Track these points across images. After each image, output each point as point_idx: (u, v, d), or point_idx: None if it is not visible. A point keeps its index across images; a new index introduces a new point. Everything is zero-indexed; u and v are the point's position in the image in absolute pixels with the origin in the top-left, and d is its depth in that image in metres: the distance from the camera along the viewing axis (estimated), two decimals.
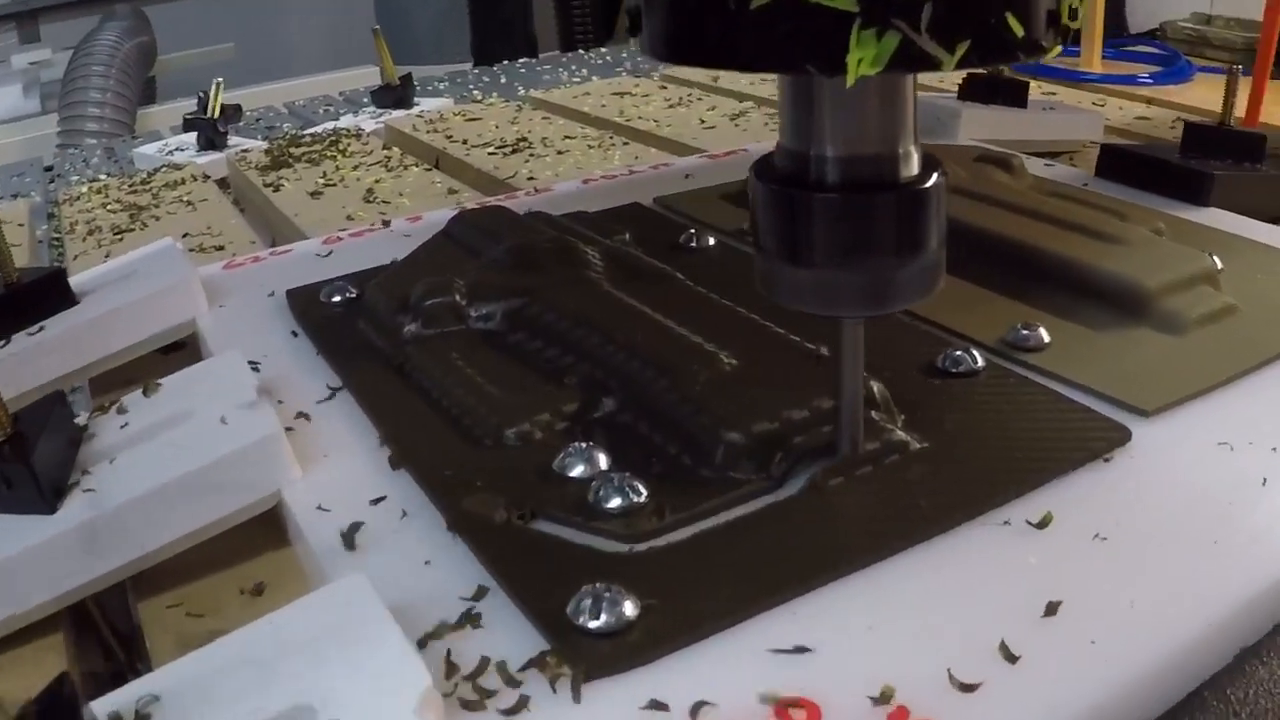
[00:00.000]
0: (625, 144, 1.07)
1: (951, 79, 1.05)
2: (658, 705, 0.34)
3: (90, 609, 0.52)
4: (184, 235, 0.92)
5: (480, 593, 0.40)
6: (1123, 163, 0.75)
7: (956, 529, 0.41)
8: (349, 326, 0.61)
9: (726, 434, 0.44)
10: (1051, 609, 0.37)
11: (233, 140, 1.26)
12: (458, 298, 0.57)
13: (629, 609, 0.37)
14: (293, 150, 1.15)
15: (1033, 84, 0.98)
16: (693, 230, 0.70)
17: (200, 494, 0.47)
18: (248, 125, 1.45)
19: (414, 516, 0.45)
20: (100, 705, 0.34)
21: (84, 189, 1.12)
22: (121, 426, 0.53)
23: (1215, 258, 0.58)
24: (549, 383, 0.52)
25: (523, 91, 1.43)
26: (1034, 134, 0.87)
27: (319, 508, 0.47)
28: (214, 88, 1.21)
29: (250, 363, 0.59)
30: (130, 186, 1.10)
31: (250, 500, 0.48)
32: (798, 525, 0.41)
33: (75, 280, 0.70)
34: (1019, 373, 0.51)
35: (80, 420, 0.53)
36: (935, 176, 0.36)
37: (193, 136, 1.25)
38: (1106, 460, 0.44)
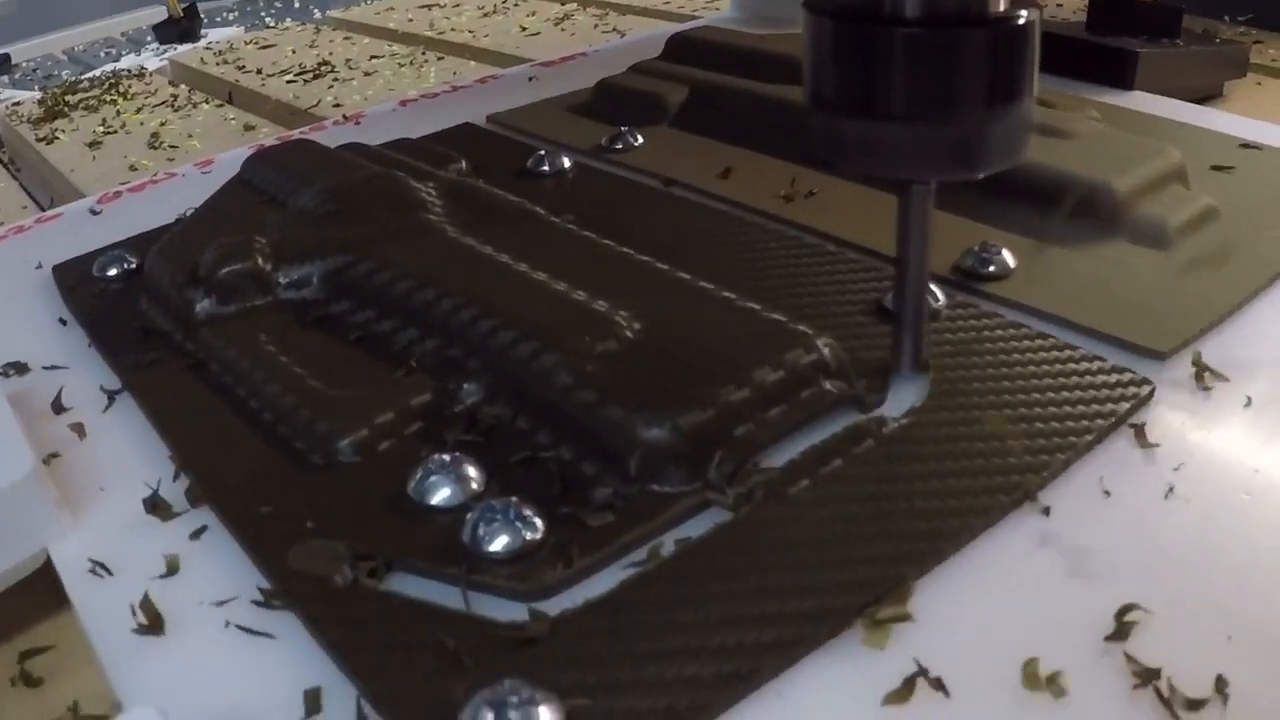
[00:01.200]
0: (440, 59, 0.94)
1: None
2: None
3: None
4: None
5: (314, 703, 0.28)
6: None
7: (975, 541, 0.30)
8: (129, 307, 0.47)
9: (644, 431, 0.32)
10: (1123, 632, 0.27)
11: (4, 94, 1.08)
12: (260, 261, 0.44)
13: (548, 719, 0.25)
14: (69, 98, 0.98)
15: None
16: (543, 151, 0.57)
17: None
18: (25, 77, 1.27)
19: (226, 576, 0.33)
20: None
21: None
22: None
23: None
24: (389, 368, 0.39)
25: (319, 14, 1.27)
26: None
27: (95, 570, 0.34)
28: None
29: (8, 365, 0.45)
30: None
31: (7, 565, 0.35)
32: (765, 558, 0.30)
33: None
34: (988, 309, 0.41)
35: None
36: (1029, 11, 0.30)
37: None
38: (1133, 425, 0.34)
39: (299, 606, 0.30)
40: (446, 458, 0.33)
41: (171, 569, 0.33)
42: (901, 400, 0.36)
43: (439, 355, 0.39)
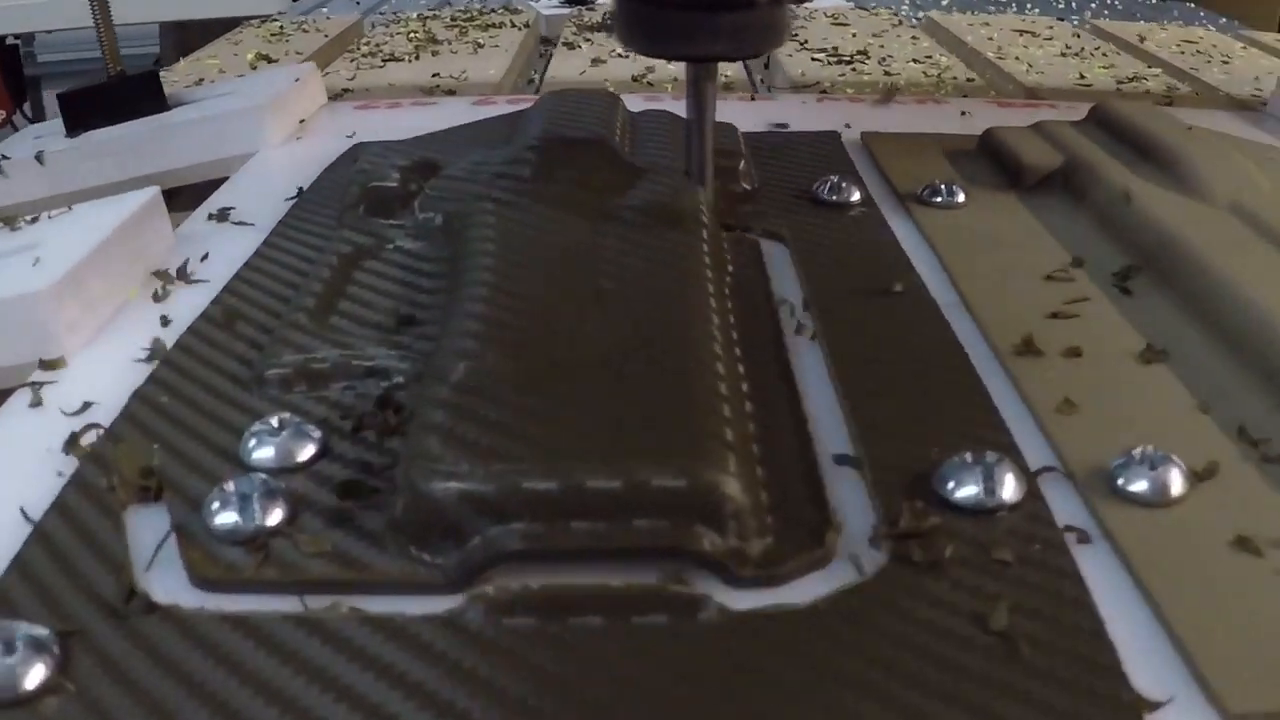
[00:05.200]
0: (970, 80, 0.84)
1: None
2: None
3: None
4: (433, 75, 0.83)
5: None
6: None
7: None
8: (341, 195, 0.49)
9: (414, 476, 0.27)
10: None
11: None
12: (414, 187, 0.43)
13: (26, 683, 0.23)
14: None
15: None
16: (835, 179, 0.49)
17: None
18: None
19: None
20: None
21: (413, 15, 1.07)
22: None
23: None
24: (400, 323, 0.36)
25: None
26: None
27: (31, 384, 0.36)
28: None
29: (221, 209, 0.49)
30: (452, 21, 1.04)
31: (7, 363, 0.38)
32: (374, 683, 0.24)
33: (185, 91, 0.64)
34: (1086, 548, 0.28)
35: None
36: None
37: None
38: None
39: (67, 485, 0.30)
40: (276, 422, 0.30)
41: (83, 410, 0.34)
42: (807, 590, 0.26)
43: (429, 326, 0.35)
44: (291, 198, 0.51)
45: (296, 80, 0.62)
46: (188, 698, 0.23)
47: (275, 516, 0.27)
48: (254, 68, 0.87)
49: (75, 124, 0.59)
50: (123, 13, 0.65)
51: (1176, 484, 0.30)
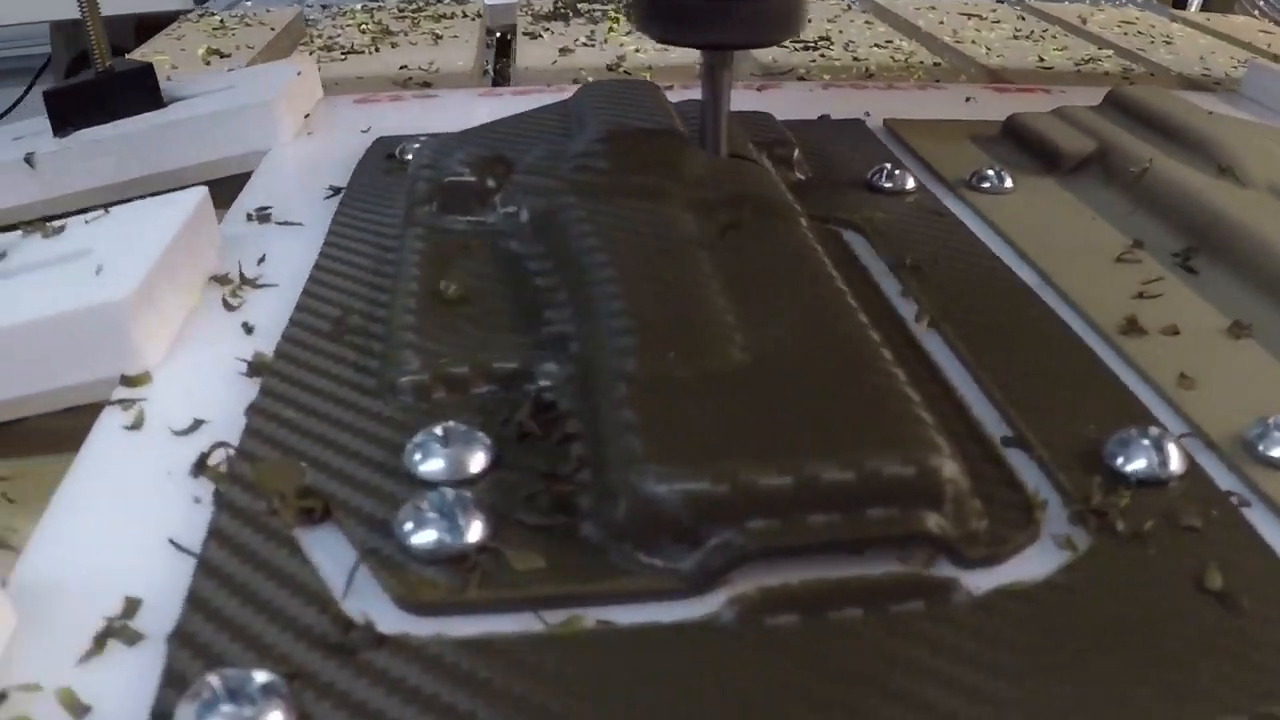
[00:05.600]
0: (937, 64, 0.85)
1: None
2: None
3: None
4: (401, 67, 0.81)
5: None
6: None
7: None
8: (390, 192, 0.47)
9: (639, 480, 0.26)
10: None
11: None
12: (490, 182, 0.42)
13: None
14: (580, 5, 1.02)
15: None
16: (888, 166, 0.49)
17: (25, 356, 0.35)
18: None
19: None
20: None
21: (357, 7, 1.05)
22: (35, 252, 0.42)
23: None
24: (521, 322, 0.35)
25: None
26: None
27: (124, 402, 0.33)
28: None
29: (258, 210, 0.47)
30: (400, 12, 1.01)
31: (80, 379, 0.36)
32: (632, 687, 0.23)
33: (176, 86, 0.60)
34: (1249, 512, 0.29)
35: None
36: None
37: None
38: None
39: (218, 512, 0.28)
40: (440, 430, 0.29)
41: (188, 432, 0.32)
42: (1026, 568, 0.26)
43: (563, 323, 0.34)
44: (329, 194, 0.49)
45: (299, 74, 0.59)
46: None
47: (477, 531, 0.26)
48: (207, 63, 0.83)
49: (63, 123, 0.56)
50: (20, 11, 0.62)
51: None
